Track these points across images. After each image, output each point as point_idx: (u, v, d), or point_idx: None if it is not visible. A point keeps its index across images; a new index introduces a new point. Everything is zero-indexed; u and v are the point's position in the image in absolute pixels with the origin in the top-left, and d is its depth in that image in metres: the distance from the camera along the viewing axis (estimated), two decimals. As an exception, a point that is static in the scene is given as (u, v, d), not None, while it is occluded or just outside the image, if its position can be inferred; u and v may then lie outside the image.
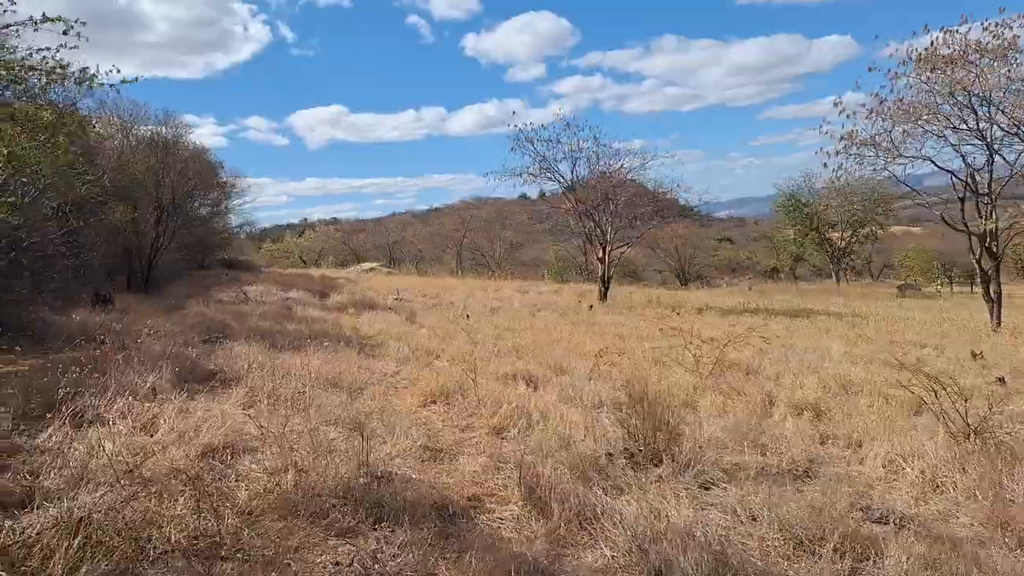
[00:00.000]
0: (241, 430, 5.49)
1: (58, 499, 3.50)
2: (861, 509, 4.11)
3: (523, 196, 65.76)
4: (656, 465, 4.74)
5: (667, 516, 3.73)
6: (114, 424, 5.32)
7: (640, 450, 4.92)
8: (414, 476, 4.56)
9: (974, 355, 10.83)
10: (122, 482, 3.74)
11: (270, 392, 6.50)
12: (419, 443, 5.16)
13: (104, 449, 4.60)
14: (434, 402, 6.96)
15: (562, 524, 3.74)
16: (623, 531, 3.58)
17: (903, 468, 4.76)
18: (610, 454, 4.91)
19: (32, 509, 3.42)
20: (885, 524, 3.96)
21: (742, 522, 3.88)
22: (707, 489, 4.42)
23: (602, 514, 3.80)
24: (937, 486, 4.50)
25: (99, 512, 3.26)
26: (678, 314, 17.87)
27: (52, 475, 3.98)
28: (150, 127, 22.42)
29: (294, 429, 5.22)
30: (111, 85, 7.14)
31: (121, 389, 6.45)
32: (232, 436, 5.26)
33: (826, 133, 16.88)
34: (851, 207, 38.50)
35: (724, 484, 4.45)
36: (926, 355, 11.70)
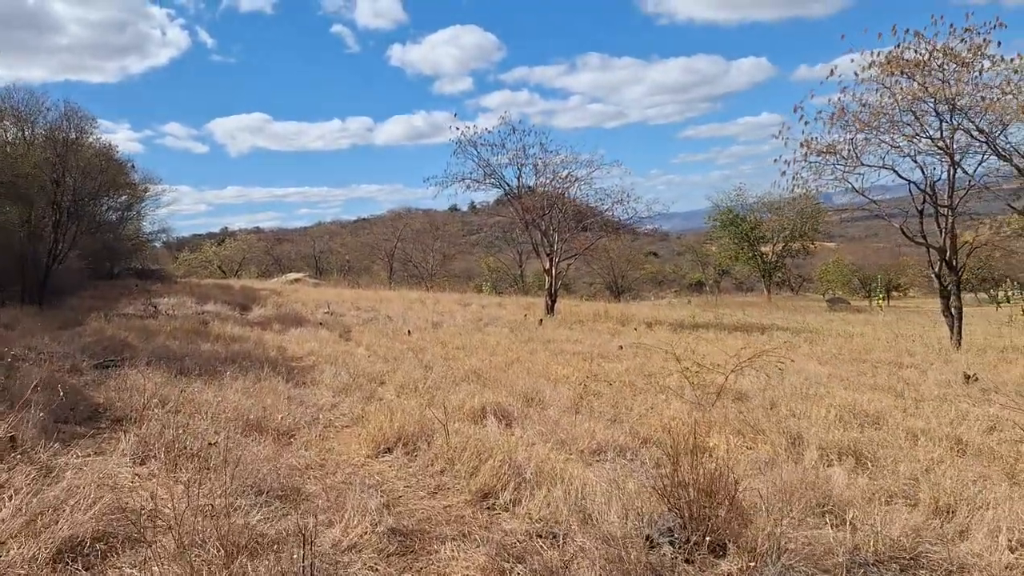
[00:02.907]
0: (124, 506, 3.89)
1: None
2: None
3: (454, 208, 64.59)
4: (717, 555, 3.41)
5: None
6: (-72, 505, 3.64)
7: (688, 529, 3.58)
8: (381, 588, 3.09)
9: (967, 378, 10.01)
10: None
11: (169, 443, 4.87)
12: (381, 526, 3.67)
13: None
14: (389, 450, 5.45)
15: None
16: None
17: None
18: (650, 538, 3.55)
19: None
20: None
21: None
22: (804, 597, 3.12)
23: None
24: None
25: None
26: (636, 329, 16.79)
27: None
28: (48, 121, 19.98)
29: (199, 505, 3.66)
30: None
31: (-40, 441, 4.73)
32: (109, 519, 3.66)
33: (781, 140, 16.12)
34: (785, 221, 38.63)
35: (824, 587, 3.16)
36: (910, 377, 10.87)
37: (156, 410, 6.05)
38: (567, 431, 5.81)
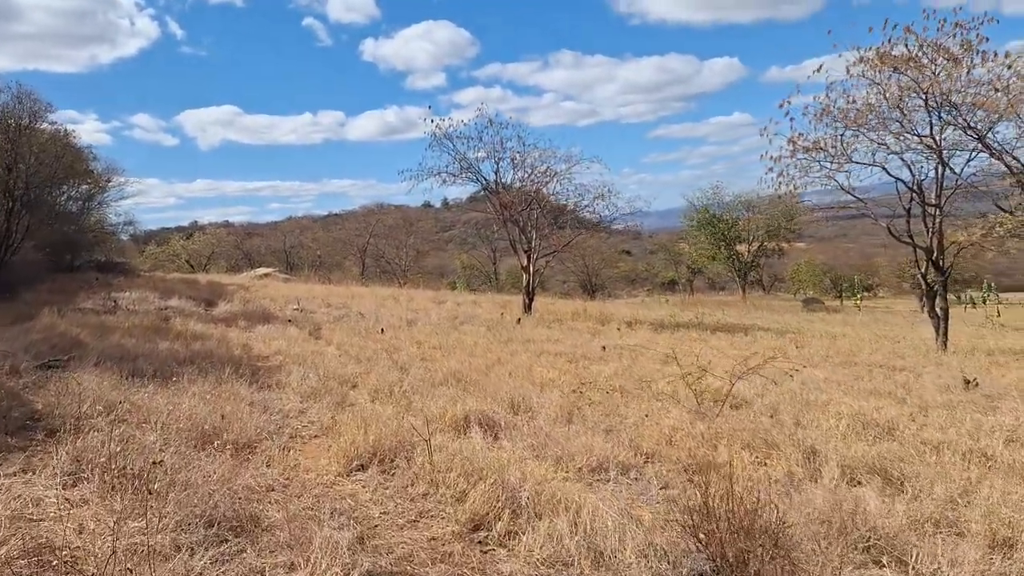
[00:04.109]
0: (44, 543, 3.22)
1: None
2: None
3: (428, 204, 63.96)
4: (759, 607, 2.84)
5: None
6: None
7: (723, 575, 3.01)
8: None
9: (967, 382, 9.61)
10: None
11: (105, 463, 4.18)
12: (355, 570, 3.04)
13: None
14: (363, 467, 4.82)
15: None
16: None
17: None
18: (679, 586, 2.98)
19: None
20: None
21: None
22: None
23: None
24: None
25: None
26: (618, 329, 16.28)
27: None
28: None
29: (132, 544, 3.00)
30: None
31: None
32: (19, 565, 2.99)
33: (766, 138, 15.68)
34: (768, 219, 38.50)
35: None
36: (907, 381, 10.47)
37: (98, 419, 5.34)
38: (562, 445, 5.22)
